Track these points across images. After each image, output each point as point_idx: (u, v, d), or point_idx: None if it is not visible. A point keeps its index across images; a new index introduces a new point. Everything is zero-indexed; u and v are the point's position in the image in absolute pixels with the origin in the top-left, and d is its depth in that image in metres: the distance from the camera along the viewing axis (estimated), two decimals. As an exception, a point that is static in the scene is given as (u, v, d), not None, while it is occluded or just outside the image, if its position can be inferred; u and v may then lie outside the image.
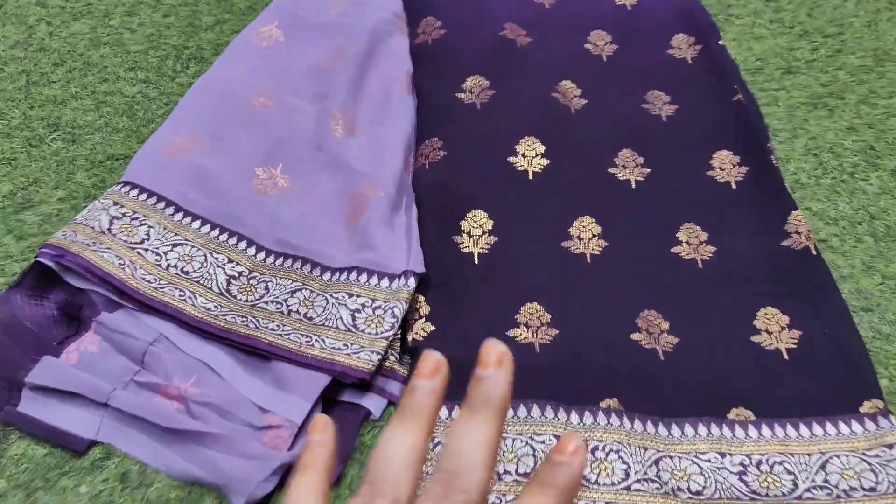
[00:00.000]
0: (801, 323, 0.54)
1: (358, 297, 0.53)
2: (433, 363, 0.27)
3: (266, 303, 0.53)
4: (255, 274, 0.54)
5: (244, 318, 0.51)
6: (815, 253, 0.57)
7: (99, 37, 0.74)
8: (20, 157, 0.62)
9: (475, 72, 0.70)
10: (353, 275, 0.54)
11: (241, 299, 0.53)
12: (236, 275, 0.54)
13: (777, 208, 0.60)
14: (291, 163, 0.62)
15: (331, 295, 0.53)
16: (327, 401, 0.50)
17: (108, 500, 0.45)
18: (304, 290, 0.54)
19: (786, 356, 0.52)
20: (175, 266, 0.54)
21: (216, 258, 0.55)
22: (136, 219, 0.55)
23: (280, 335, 0.50)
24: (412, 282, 0.53)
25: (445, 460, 0.26)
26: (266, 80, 0.66)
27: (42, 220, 0.58)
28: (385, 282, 0.53)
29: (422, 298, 0.54)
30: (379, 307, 0.52)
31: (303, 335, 0.51)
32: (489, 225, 0.59)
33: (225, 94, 0.64)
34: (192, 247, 0.55)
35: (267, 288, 0.54)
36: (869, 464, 0.46)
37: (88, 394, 0.47)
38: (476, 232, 0.58)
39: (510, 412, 0.48)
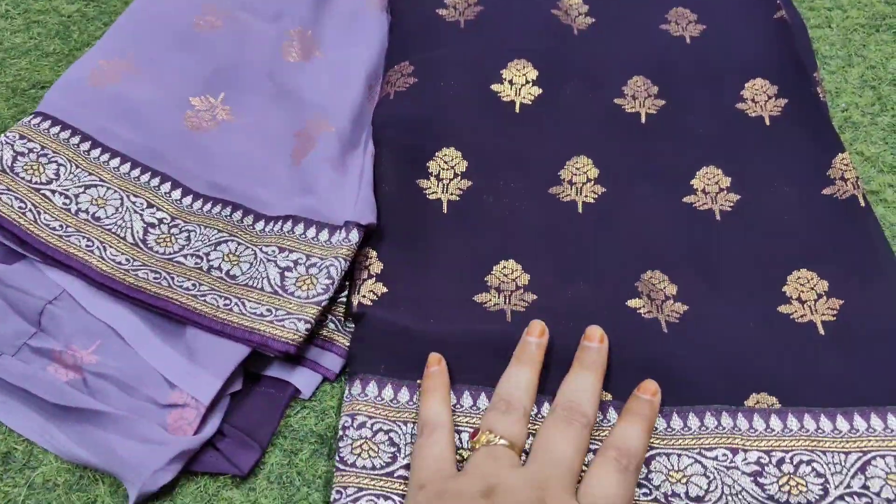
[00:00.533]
0: (842, 290, 0.43)
1: (291, 252, 0.44)
2: (541, 327, 0.41)
3: (185, 256, 0.44)
4: (178, 222, 0.46)
5: (157, 275, 0.43)
6: (863, 204, 0.46)
7: (41, -52, 0.65)
8: (-65, 84, 0.55)
9: None
10: (289, 224, 0.45)
11: (157, 251, 0.44)
12: (156, 222, 0.46)
13: (819, 150, 0.49)
14: (236, 92, 0.53)
15: (260, 249, 0.45)
16: (250, 375, 0.42)
17: (-13, 482, 0.38)
18: (230, 243, 0.45)
19: (821, 331, 0.42)
20: (86, 211, 0.46)
21: (133, 202, 0.46)
22: (45, 155, 0.47)
23: (194, 296, 0.42)
24: (354, 235, 0.44)
25: (564, 397, 0.38)
26: None
27: (-49, 156, 0.51)
28: (325, 234, 0.44)
29: (373, 254, 0.45)
30: (314, 265, 0.43)
31: (221, 296, 0.42)
32: (462, 166, 0.49)
33: (164, 13, 0.55)
34: (108, 188, 0.47)
35: (189, 238, 0.45)
36: None
37: None
38: (446, 175, 0.49)
39: (469, 402, 0.40)
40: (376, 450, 0.38)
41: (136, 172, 0.48)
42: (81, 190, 0.46)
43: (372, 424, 0.38)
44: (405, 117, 0.51)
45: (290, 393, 0.41)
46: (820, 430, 0.38)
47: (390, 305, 0.43)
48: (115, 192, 0.47)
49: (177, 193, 0.47)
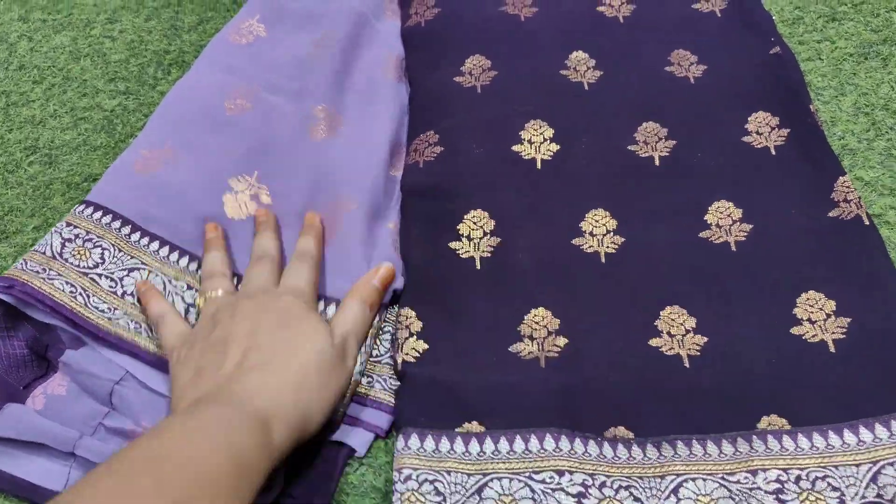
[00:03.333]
0: (849, 308, 0.46)
1: None
2: (212, 225, 0.53)
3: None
4: None
5: None
6: (867, 223, 0.49)
7: (80, 48, 0.70)
8: (-4, 186, 0.60)
9: (475, 51, 0.63)
10: (321, 305, 0.50)
11: None
12: (195, 303, 0.50)
13: (822, 175, 0.52)
14: (269, 172, 0.56)
15: None
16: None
17: (81, 556, 0.42)
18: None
19: (832, 349, 0.45)
20: (132, 294, 0.49)
21: (175, 286, 0.50)
22: (90, 240, 0.51)
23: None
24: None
25: (252, 253, 0.52)
26: (244, 80, 0.61)
27: (17, 252, 0.55)
28: (331, 308, 0.50)
29: (412, 314, 0.49)
30: None
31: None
32: (490, 225, 0.53)
33: (196, 102, 0.59)
34: (149, 271, 0.51)
35: None
36: None
37: (54, 444, 0.44)
38: (476, 234, 0.52)
39: (506, 447, 0.43)
40: (423, 500, 0.40)
41: (174, 256, 0.52)
42: (125, 273, 0.50)
43: (418, 476, 0.41)
44: (434, 186, 0.55)
45: (345, 452, 0.45)
46: (830, 447, 0.41)
47: (432, 361, 0.47)
48: (157, 275, 0.51)
49: None
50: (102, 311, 0.48)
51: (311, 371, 0.41)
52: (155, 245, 0.52)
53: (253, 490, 0.35)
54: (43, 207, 0.58)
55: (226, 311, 0.45)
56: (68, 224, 0.51)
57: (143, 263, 0.51)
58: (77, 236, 0.51)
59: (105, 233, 0.51)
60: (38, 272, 0.48)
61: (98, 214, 0.52)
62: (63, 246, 0.50)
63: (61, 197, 0.59)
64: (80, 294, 0.48)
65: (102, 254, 0.51)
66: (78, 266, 0.49)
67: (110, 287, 0.49)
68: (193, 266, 0.52)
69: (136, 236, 0.52)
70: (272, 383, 0.40)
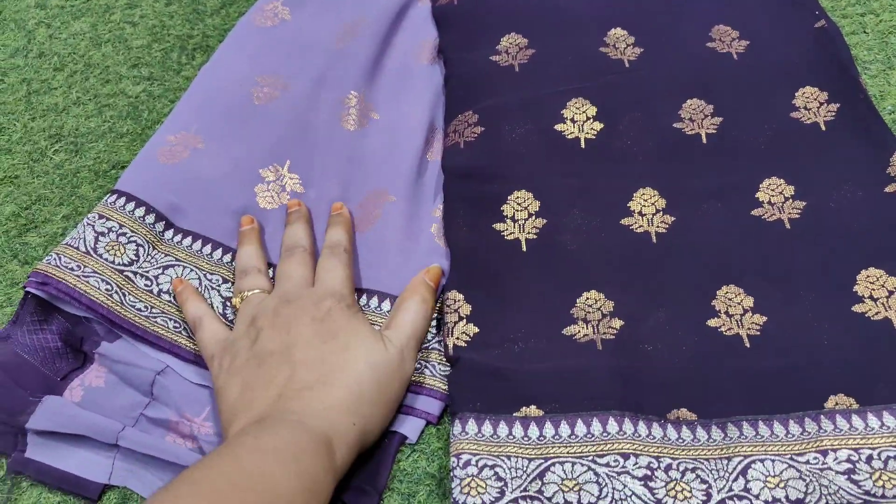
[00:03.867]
0: None
1: (373, 323, 0.47)
2: (248, 218, 0.51)
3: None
4: None
5: None
6: None
7: (100, 35, 0.68)
8: (22, 174, 0.58)
9: (510, 30, 0.61)
10: (363, 299, 0.49)
11: None
12: (231, 302, 0.48)
13: (877, 149, 0.51)
14: (300, 162, 0.55)
15: None
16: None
17: (127, 549, 0.41)
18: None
19: None
20: (168, 293, 0.48)
21: (210, 280, 0.49)
22: (124, 234, 0.49)
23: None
24: (386, 304, 0.48)
25: (283, 245, 0.50)
26: (271, 66, 0.59)
27: (47, 242, 0.54)
28: (387, 304, 0.49)
29: (460, 297, 0.47)
30: None
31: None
32: (535, 206, 0.51)
33: (223, 89, 0.57)
34: (185, 267, 0.49)
35: None
36: None
37: (97, 435, 0.43)
38: (521, 216, 0.51)
39: (567, 431, 0.41)
40: (484, 486, 0.39)
41: (207, 249, 0.50)
42: (160, 271, 0.49)
43: (477, 461, 0.40)
44: (476, 166, 0.53)
45: (397, 440, 0.43)
46: None
47: (483, 345, 0.45)
48: (192, 270, 0.49)
49: None
50: (139, 309, 0.47)
51: (366, 387, 0.40)
52: (188, 241, 0.50)
53: None
54: (71, 196, 0.56)
55: (265, 317, 0.43)
56: (101, 216, 0.50)
57: (177, 260, 0.49)
58: (110, 230, 0.49)
59: (138, 227, 0.50)
60: (72, 269, 0.46)
61: (131, 206, 0.50)
62: (97, 240, 0.49)
63: (89, 185, 0.57)
64: (117, 292, 0.47)
65: (137, 250, 0.49)
66: (113, 263, 0.48)
67: (146, 286, 0.48)
68: (227, 258, 0.50)
69: (169, 234, 0.51)
70: (329, 404, 0.39)
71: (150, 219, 0.50)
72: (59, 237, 0.54)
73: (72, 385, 0.46)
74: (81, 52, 0.67)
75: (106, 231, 0.49)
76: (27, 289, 0.46)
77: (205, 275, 0.49)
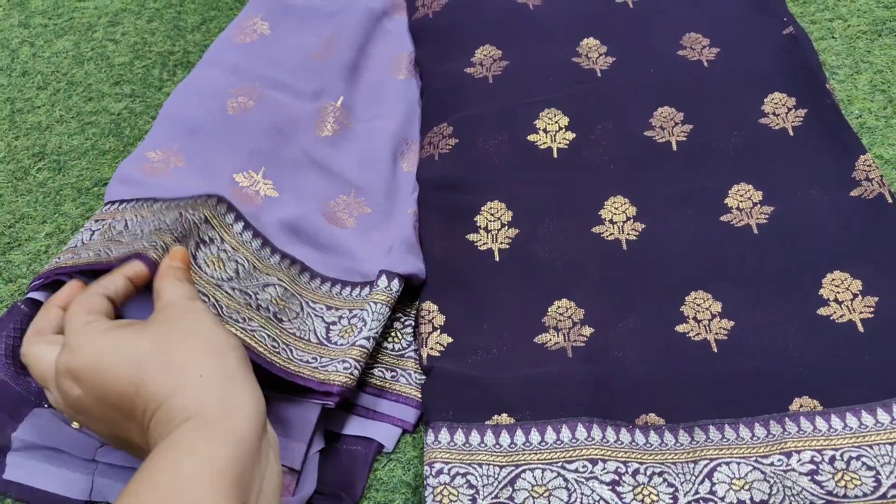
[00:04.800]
0: (876, 287, 0.46)
1: (337, 309, 0.48)
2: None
3: (232, 289, 0.47)
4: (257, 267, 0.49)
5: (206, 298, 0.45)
6: (890, 201, 0.49)
7: (83, 52, 0.69)
8: (6, 193, 0.59)
9: (485, 42, 0.63)
10: (337, 287, 0.49)
11: (207, 272, 0.47)
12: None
13: (843, 154, 0.52)
14: (275, 168, 0.56)
15: (307, 303, 0.48)
16: (333, 435, 0.45)
17: (110, 563, 0.41)
18: (277, 287, 0.48)
19: (861, 328, 0.44)
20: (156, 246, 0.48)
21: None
22: (115, 219, 0.50)
23: (242, 329, 0.44)
24: (396, 284, 0.48)
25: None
26: (247, 78, 0.60)
27: (31, 259, 0.55)
28: (367, 290, 0.49)
29: (434, 308, 0.48)
30: (355, 316, 0.47)
31: (268, 337, 0.45)
32: (508, 216, 0.52)
33: (198, 103, 0.58)
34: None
35: (237, 273, 0.48)
36: None
37: (75, 451, 0.43)
38: (494, 226, 0.52)
39: (537, 438, 0.42)
40: (456, 494, 0.40)
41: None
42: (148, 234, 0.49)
43: (449, 470, 0.41)
44: (451, 177, 0.54)
45: (374, 448, 0.44)
46: (863, 426, 0.41)
47: (457, 355, 0.46)
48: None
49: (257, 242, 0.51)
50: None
51: None
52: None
53: None
54: (54, 214, 0.57)
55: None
56: (97, 220, 0.51)
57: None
58: (102, 221, 0.50)
59: (125, 211, 0.51)
60: (69, 257, 0.47)
61: (123, 206, 0.52)
62: (92, 235, 0.49)
63: (72, 203, 0.58)
64: (105, 252, 0.46)
65: (126, 223, 0.49)
66: (104, 236, 0.48)
67: (131, 241, 0.48)
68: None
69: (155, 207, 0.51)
70: None
71: (139, 204, 0.51)
72: (42, 255, 0.55)
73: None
74: (64, 70, 0.68)
75: (100, 227, 0.50)
76: (29, 295, 0.46)
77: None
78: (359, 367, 0.44)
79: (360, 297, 0.48)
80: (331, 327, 0.47)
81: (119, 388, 0.33)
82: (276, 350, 0.44)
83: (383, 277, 0.48)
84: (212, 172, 0.55)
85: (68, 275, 0.45)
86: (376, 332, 0.46)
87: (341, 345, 0.46)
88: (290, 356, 0.44)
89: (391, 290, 0.47)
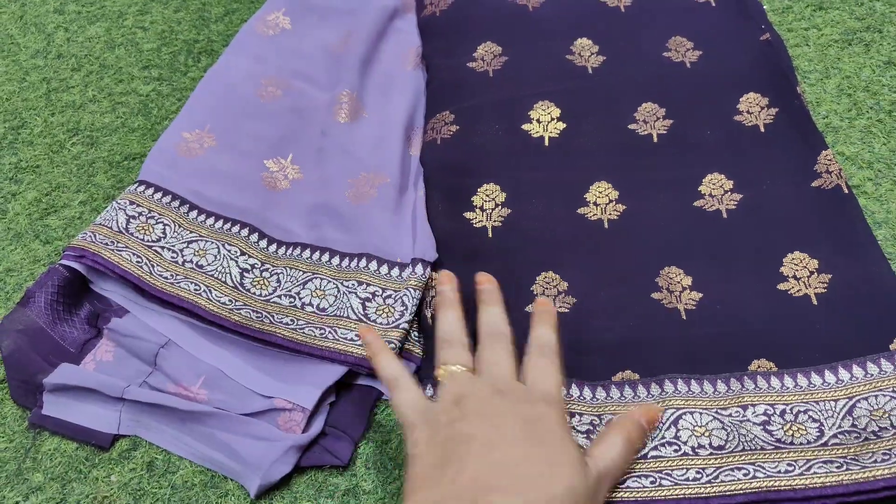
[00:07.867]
0: (831, 266, 0.51)
1: (368, 285, 0.53)
2: (448, 276, 0.51)
3: (279, 297, 0.53)
4: (268, 266, 0.54)
5: (259, 314, 0.51)
6: (846, 192, 0.54)
7: (114, 38, 0.75)
8: (43, 164, 0.64)
9: (486, 39, 0.68)
10: (363, 261, 0.54)
11: (254, 293, 0.53)
12: (249, 268, 0.54)
13: (807, 149, 0.57)
14: (300, 152, 0.62)
15: (341, 283, 0.53)
16: (339, 384, 0.50)
17: (137, 487, 0.47)
18: (314, 280, 0.53)
19: (815, 302, 0.50)
20: (191, 261, 0.54)
21: (229, 250, 0.55)
22: (152, 217, 0.56)
23: (294, 329, 0.50)
24: (420, 269, 0.53)
25: (486, 328, 0.47)
26: (273, 68, 0.66)
27: (66, 224, 0.60)
28: (395, 271, 0.53)
29: (435, 276, 0.53)
30: (389, 296, 0.52)
31: (317, 328, 0.50)
32: (502, 197, 0.57)
33: (230, 88, 0.64)
34: (206, 241, 0.55)
35: (279, 280, 0.53)
36: None
37: (103, 389, 0.49)
38: (489, 206, 0.57)
39: None
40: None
41: (227, 226, 0.56)
42: (185, 245, 0.55)
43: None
44: (451, 160, 0.60)
45: (374, 395, 0.49)
46: (812, 385, 0.46)
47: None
48: (212, 242, 0.55)
49: (263, 242, 0.56)
50: (165, 277, 0.52)
51: None
52: (211, 220, 0.57)
53: None
54: (88, 184, 0.62)
55: (474, 402, 0.41)
56: (131, 202, 0.56)
57: (200, 235, 0.55)
58: (140, 214, 0.56)
59: (165, 211, 0.56)
60: (106, 244, 0.53)
61: (158, 195, 0.57)
62: (128, 222, 0.55)
63: (104, 174, 0.63)
64: (146, 264, 0.53)
65: (164, 229, 0.55)
66: (143, 240, 0.54)
67: (172, 257, 0.54)
68: (245, 232, 0.56)
69: (193, 214, 0.57)
70: None
71: (176, 203, 0.57)
72: (76, 220, 0.60)
73: (85, 360, 0.51)
74: (97, 54, 0.73)
75: (136, 215, 0.56)
76: (63, 262, 0.52)
77: (223, 245, 0.55)
78: (398, 348, 0.49)
79: (391, 278, 0.53)
80: (366, 304, 0.52)
81: None
82: (325, 335, 0.50)
83: (419, 265, 0.53)
84: (242, 154, 0.61)
85: (112, 272, 0.52)
86: (413, 316, 0.51)
87: (381, 324, 0.50)
88: (336, 336, 0.50)
89: (424, 277, 0.53)
